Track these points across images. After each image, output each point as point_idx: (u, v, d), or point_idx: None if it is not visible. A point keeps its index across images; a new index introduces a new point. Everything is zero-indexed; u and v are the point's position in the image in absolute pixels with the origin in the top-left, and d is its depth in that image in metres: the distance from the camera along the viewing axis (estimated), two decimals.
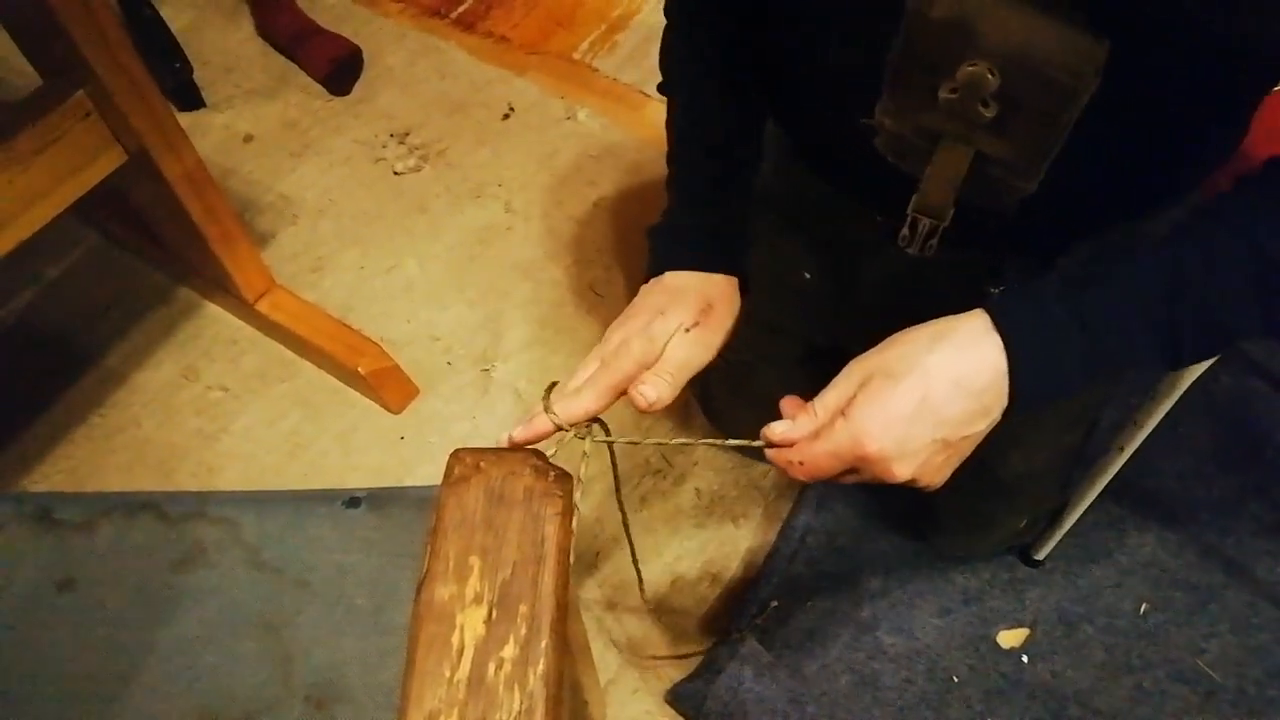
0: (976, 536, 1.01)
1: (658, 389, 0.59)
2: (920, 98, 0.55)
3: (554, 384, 0.61)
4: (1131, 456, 0.92)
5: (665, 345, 0.61)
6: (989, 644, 1.03)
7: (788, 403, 0.58)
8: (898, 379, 0.53)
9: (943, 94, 0.53)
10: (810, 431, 0.55)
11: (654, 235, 0.68)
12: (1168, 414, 0.87)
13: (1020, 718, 0.99)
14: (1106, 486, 0.96)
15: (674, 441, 0.63)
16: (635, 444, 0.62)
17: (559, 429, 0.58)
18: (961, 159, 0.57)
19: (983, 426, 0.54)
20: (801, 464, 0.55)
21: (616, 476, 0.67)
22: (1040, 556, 1.06)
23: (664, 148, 0.73)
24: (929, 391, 0.52)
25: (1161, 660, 1.01)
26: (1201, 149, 0.62)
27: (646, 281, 0.66)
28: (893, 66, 0.55)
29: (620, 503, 0.67)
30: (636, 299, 0.65)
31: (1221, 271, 0.52)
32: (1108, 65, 0.49)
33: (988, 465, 0.86)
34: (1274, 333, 0.62)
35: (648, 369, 0.60)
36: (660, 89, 0.73)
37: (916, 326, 0.55)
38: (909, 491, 0.60)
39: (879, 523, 1.11)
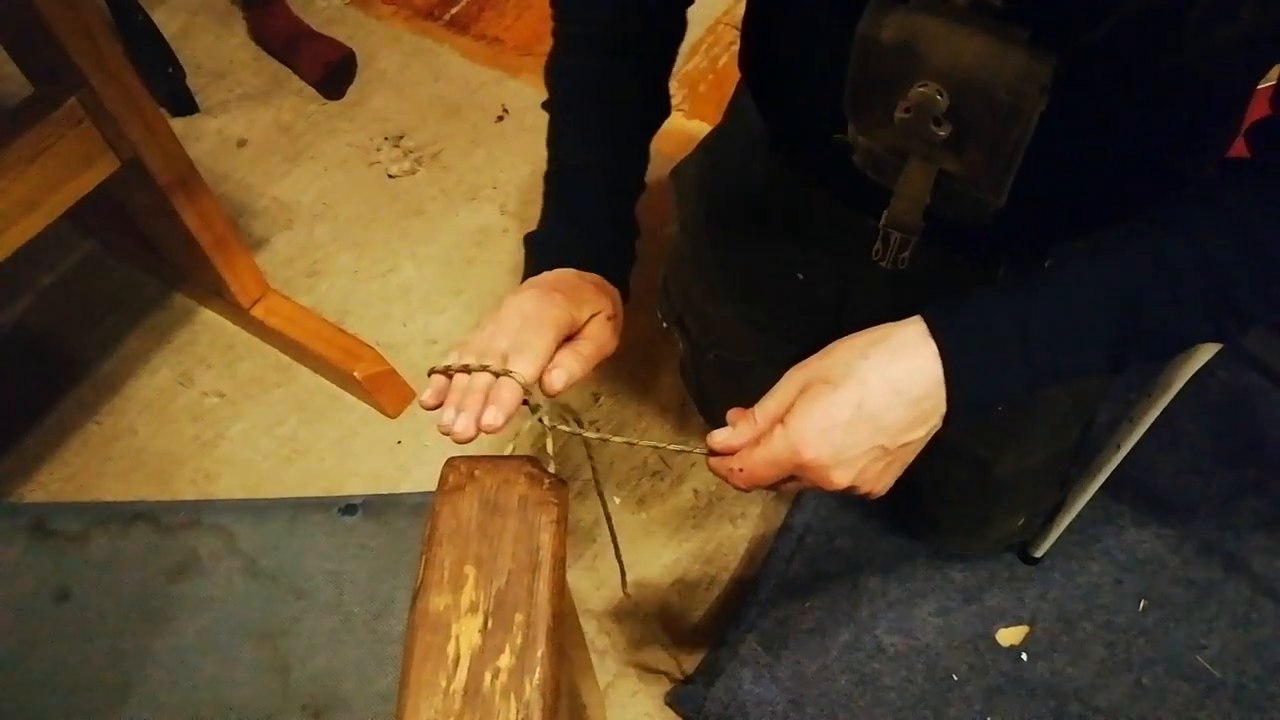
0: (975, 535, 1.01)
1: (570, 371, 0.56)
2: (879, 117, 0.55)
3: (447, 367, 0.55)
4: (1129, 453, 0.92)
5: (588, 323, 0.59)
6: (988, 642, 1.03)
7: (733, 411, 0.57)
8: (835, 386, 0.53)
9: (898, 114, 0.54)
10: (750, 439, 0.55)
11: (542, 240, 0.66)
12: (1164, 410, 0.87)
13: (1020, 716, 0.99)
14: (1104, 483, 0.96)
15: (617, 439, 0.62)
16: (578, 435, 0.60)
17: (525, 403, 0.54)
18: (926, 176, 0.57)
19: (922, 433, 0.54)
20: (741, 471, 0.55)
21: (595, 467, 0.67)
22: (1039, 554, 1.06)
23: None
24: (865, 398, 0.52)
25: (1161, 656, 1.01)
26: (1185, 149, 0.62)
27: (532, 276, 0.62)
28: (851, 87, 0.55)
29: (600, 494, 0.66)
30: (552, 276, 0.61)
31: (1172, 281, 0.52)
32: (1056, 83, 0.49)
33: (985, 464, 0.86)
34: (1223, 339, 0.62)
35: (571, 335, 0.58)
36: (545, 106, 0.71)
37: (856, 333, 0.55)
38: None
39: (877, 522, 1.11)
